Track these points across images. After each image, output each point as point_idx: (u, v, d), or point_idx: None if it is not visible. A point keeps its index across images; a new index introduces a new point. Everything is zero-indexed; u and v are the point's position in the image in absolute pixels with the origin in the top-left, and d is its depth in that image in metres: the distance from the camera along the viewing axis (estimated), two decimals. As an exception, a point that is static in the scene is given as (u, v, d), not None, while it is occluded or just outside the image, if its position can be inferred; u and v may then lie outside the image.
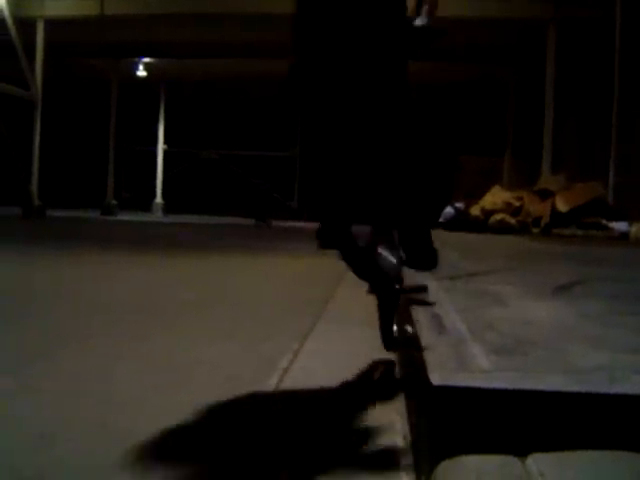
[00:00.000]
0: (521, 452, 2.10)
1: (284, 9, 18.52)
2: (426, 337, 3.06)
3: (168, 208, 37.00)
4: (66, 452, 2.70)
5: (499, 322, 3.61)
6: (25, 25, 24.31)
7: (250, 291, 8.19)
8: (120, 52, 30.04)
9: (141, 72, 32.19)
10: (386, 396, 3.57)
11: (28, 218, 24.87)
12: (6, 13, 23.57)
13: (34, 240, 15.73)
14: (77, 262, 10.90)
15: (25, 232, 19.00)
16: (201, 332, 5.39)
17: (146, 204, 37.34)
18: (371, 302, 6.25)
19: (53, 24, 25.11)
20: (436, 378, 2.37)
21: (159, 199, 37.50)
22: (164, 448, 2.84)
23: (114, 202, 32.91)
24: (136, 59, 31.48)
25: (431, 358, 2.63)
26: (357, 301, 7.13)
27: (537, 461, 2.04)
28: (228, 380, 3.93)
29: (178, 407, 3.36)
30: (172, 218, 32.16)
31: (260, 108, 40.24)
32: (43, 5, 24.76)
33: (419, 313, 3.73)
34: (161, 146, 37.83)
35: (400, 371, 3.90)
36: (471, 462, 2.12)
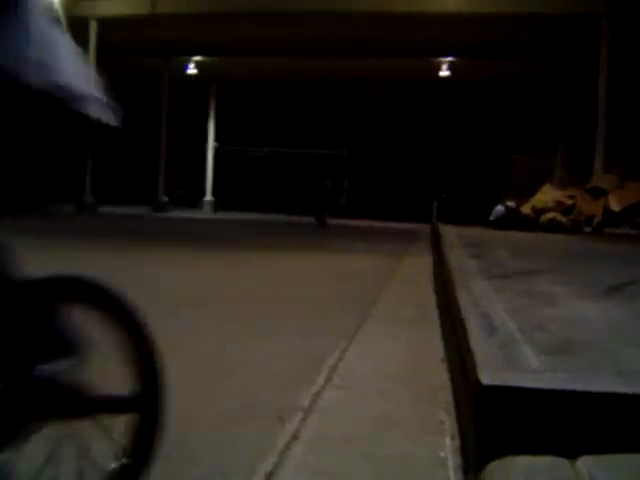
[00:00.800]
0: (571, 454, 2.09)
1: (333, 7, 18.65)
2: (476, 336, 3.05)
3: (218, 205, 37.19)
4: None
5: (549, 322, 3.58)
6: (77, 25, 24.55)
7: (299, 289, 8.21)
8: (171, 51, 30.28)
9: (191, 70, 32.41)
10: (434, 395, 3.56)
11: (80, 214, 25.23)
12: (59, 13, 23.90)
13: (88, 235, 15.94)
14: (125, 256, 11.03)
15: (78, 227, 19.24)
16: (249, 329, 5.43)
17: (196, 201, 37.59)
18: (417, 303, 6.24)
19: (105, 23, 25.43)
20: (486, 378, 2.36)
21: (209, 196, 37.72)
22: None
23: (165, 199, 33.17)
24: (187, 57, 31.70)
25: (481, 358, 2.62)
26: (404, 301, 7.14)
27: (587, 463, 2.03)
28: (276, 376, 3.96)
29: (222, 399, 3.40)
30: (222, 215, 32.32)
31: (309, 106, 40.30)
32: (95, 5, 25.08)
33: (469, 313, 3.71)
34: (211, 144, 38.05)
35: (451, 370, 3.88)
36: (520, 463, 2.11)
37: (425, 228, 23.16)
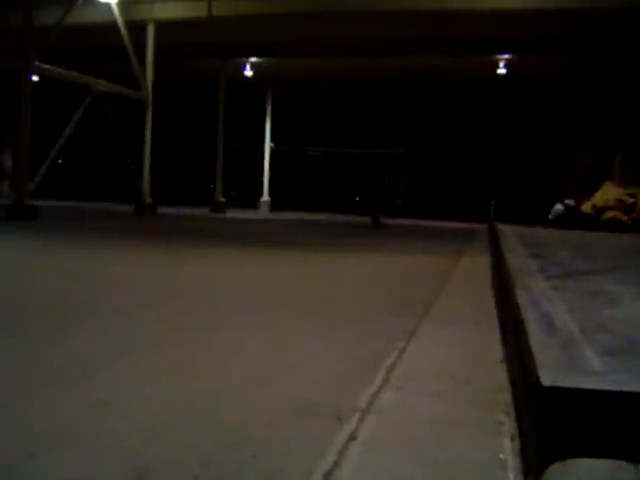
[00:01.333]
0: (634, 458, 2.05)
1: (391, 6, 18.61)
2: (537, 337, 3.01)
3: (275, 205, 37.40)
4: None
5: (612, 322, 3.52)
6: (136, 28, 24.95)
7: (356, 290, 8.21)
8: (227, 52, 30.51)
9: (248, 72, 32.62)
10: (493, 396, 3.53)
11: (140, 214, 25.55)
12: (117, 16, 24.26)
13: (150, 235, 16.13)
14: (178, 258, 11.15)
15: (138, 227, 19.49)
16: (308, 329, 5.44)
17: (254, 201, 37.84)
18: (475, 303, 6.19)
19: (162, 26, 25.71)
20: (547, 379, 2.33)
21: (266, 197, 37.93)
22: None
23: (222, 200, 33.42)
24: (243, 59, 31.91)
25: (542, 358, 2.58)
26: (461, 302, 7.09)
27: (652, 467, 1.99)
28: (333, 377, 3.96)
29: (280, 400, 3.42)
30: (279, 215, 32.48)
31: (366, 106, 40.29)
32: (153, 8, 25.37)
33: (528, 312, 3.67)
34: (268, 144, 38.26)
35: (510, 371, 3.84)
36: (582, 466, 2.08)
37: (483, 227, 22.98)
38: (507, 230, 15.53)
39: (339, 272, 10.17)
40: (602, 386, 2.28)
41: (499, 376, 3.92)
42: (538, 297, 4.32)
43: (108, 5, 23.77)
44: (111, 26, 24.36)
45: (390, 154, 41.21)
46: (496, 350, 4.57)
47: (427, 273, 10.06)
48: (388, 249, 15.00)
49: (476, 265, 11.00)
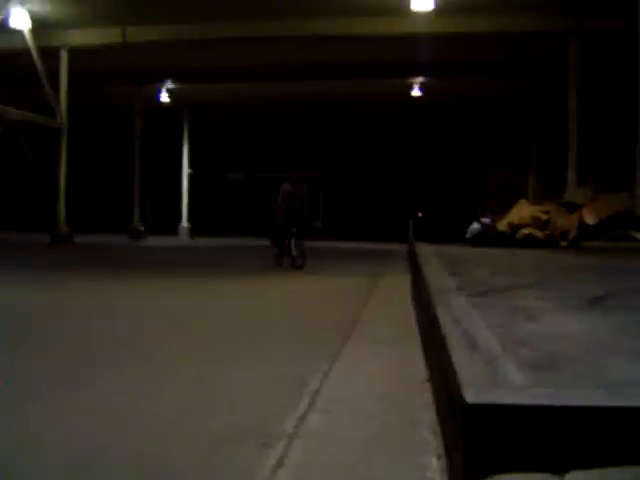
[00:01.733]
0: (560, 470, 2.07)
1: (304, 31, 18.67)
2: (459, 354, 3.03)
3: (194, 231, 37.15)
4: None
5: (532, 337, 3.57)
6: (49, 54, 24.57)
7: (279, 312, 8.18)
8: (143, 78, 30.29)
9: (164, 97, 32.42)
10: (420, 415, 3.54)
11: (56, 244, 25.06)
12: (30, 43, 23.85)
13: (66, 266, 15.81)
14: (98, 288, 10.96)
15: (54, 258, 19.11)
16: (229, 355, 5.39)
17: (173, 228, 37.51)
18: (397, 323, 6.22)
19: (77, 52, 25.37)
20: (470, 396, 2.33)
21: (185, 222, 37.66)
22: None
23: (141, 227, 33.05)
24: (158, 85, 31.70)
25: (464, 375, 2.60)
26: (383, 322, 7.12)
27: (576, 479, 2.01)
28: (257, 404, 3.92)
29: (204, 428, 3.37)
30: (198, 241, 32.25)
31: (283, 130, 40.43)
32: (66, 34, 25.02)
33: (450, 330, 3.69)
34: (186, 170, 38.03)
35: (434, 389, 3.86)
36: (509, 481, 2.09)
37: (402, 248, 23.21)
38: (426, 249, 15.72)
39: (262, 295, 10.13)
40: (525, 401, 2.30)
41: (424, 395, 3.94)
42: (458, 314, 4.36)
43: (21, 32, 23.34)
44: (24, 53, 23.92)
45: (308, 178, 41.35)
46: (420, 368, 4.59)
47: (349, 293, 10.10)
48: (309, 272, 14.99)
49: (397, 284, 11.08)
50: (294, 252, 15.33)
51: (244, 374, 4.71)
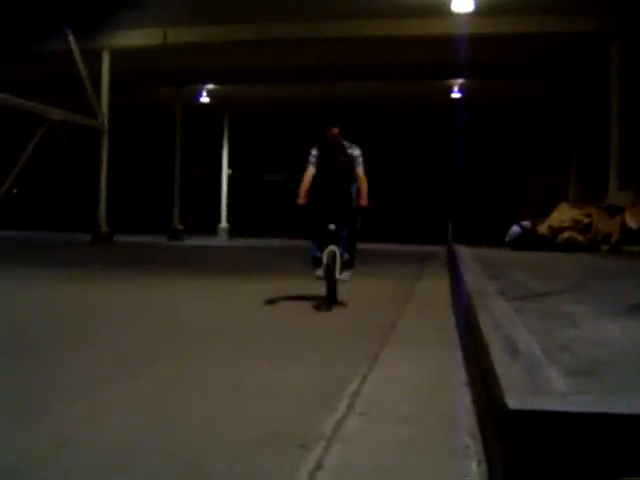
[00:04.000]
0: (604, 478, 2.05)
1: (344, 32, 18.69)
2: (500, 359, 3.01)
3: (233, 232, 37.29)
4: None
5: (574, 343, 3.53)
6: (91, 55, 24.82)
7: (316, 315, 8.17)
8: (183, 79, 30.50)
9: (204, 98, 32.60)
10: (459, 420, 3.52)
11: (96, 243, 25.32)
12: (73, 45, 24.12)
13: (105, 264, 15.95)
14: (140, 286, 11.04)
15: (93, 257, 19.30)
16: (269, 356, 5.39)
17: (212, 228, 37.68)
18: (436, 326, 6.20)
19: (118, 54, 25.61)
20: (512, 402, 2.32)
21: (224, 223, 37.81)
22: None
23: (180, 227, 33.26)
24: (199, 86, 31.90)
25: (506, 381, 2.58)
26: (423, 324, 7.09)
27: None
28: (297, 406, 3.92)
29: (243, 429, 3.37)
30: (237, 242, 32.38)
31: (322, 131, 40.41)
32: (108, 36, 25.27)
33: (491, 334, 3.67)
34: (225, 171, 38.16)
35: (474, 394, 3.84)
36: (551, 488, 2.07)
37: (441, 250, 23.11)
38: (465, 252, 15.65)
39: (299, 297, 10.12)
40: (568, 408, 2.28)
41: (464, 399, 3.92)
42: (499, 319, 4.33)
43: (64, 34, 23.62)
44: (67, 54, 24.21)
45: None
46: (460, 373, 4.57)
47: (388, 296, 10.08)
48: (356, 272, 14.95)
49: (436, 287, 11.04)
50: (336, 271, 8.92)
51: (282, 375, 4.71)
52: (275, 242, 32.28)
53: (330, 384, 4.36)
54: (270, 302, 8.84)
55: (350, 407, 3.74)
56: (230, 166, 38.62)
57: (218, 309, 8.53)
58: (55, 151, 26.71)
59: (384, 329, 6.49)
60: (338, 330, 6.88)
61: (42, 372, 4.64)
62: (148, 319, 7.37)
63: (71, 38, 24.06)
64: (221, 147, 37.85)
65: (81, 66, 24.82)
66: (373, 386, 4.25)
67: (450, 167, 38.56)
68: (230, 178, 38.81)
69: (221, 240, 35.17)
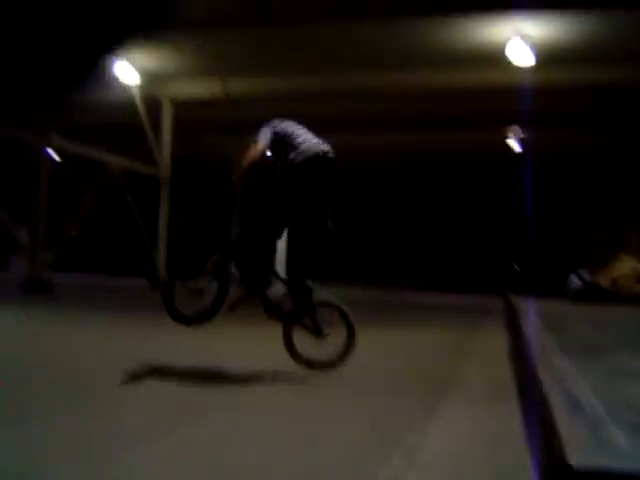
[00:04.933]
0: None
1: (406, 83, 18.63)
2: (562, 415, 2.94)
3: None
4: None
5: (636, 400, 3.45)
6: (153, 105, 25.25)
7: (371, 365, 8.11)
8: (244, 129, 30.86)
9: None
10: (517, 478, 3.44)
11: (155, 289, 25.55)
12: (135, 95, 24.60)
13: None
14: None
15: (154, 301, 19.42)
16: (324, 405, 5.35)
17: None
18: (494, 379, 6.09)
19: (179, 104, 26.02)
20: (575, 459, 2.26)
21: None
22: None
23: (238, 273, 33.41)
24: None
25: (568, 438, 2.52)
26: (480, 377, 6.99)
27: None
28: (350, 459, 3.87)
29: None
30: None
31: (380, 181, 40.61)
32: (169, 86, 25.72)
33: (552, 390, 3.60)
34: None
35: (537, 453, 3.76)
36: None
37: (497, 300, 22.84)
38: (524, 304, 15.44)
39: (360, 344, 10.06)
40: (630, 466, 2.22)
41: (521, 456, 3.84)
42: (560, 374, 4.25)
43: (126, 84, 24.18)
44: (129, 104, 24.75)
45: (403, 228, 41.50)
46: (518, 428, 4.48)
47: (443, 348, 9.96)
48: (401, 322, 14.87)
49: (493, 339, 10.89)
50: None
51: (336, 425, 4.66)
52: (335, 289, 32.19)
53: (388, 435, 4.30)
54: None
55: (406, 460, 3.69)
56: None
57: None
58: (116, 197, 27.15)
59: (440, 381, 6.42)
60: (395, 380, 6.80)
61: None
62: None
63: (133, 87, 24.60)
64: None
65: (143, 115, 25.31)
66: (430, 439, 4.19)
67: (508, 217, 38.32)
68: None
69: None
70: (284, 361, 6.60)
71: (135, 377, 6.26)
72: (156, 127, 26.08)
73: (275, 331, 6.69)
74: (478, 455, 3.85)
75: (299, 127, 7.25)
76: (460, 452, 3.92)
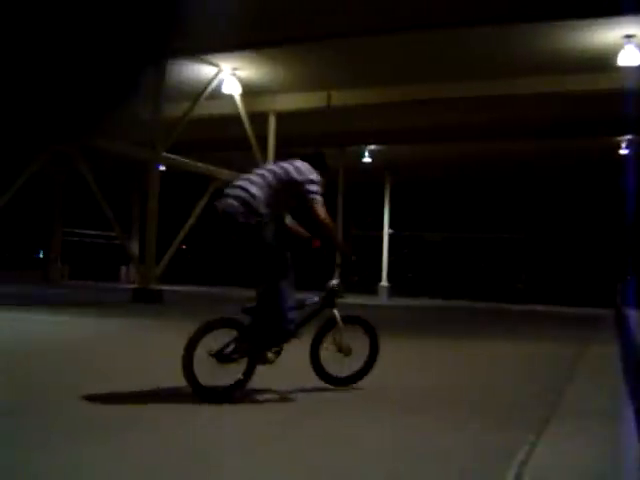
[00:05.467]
0: None
1: (500, 90, 18.39)
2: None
3: (394, 291, 37.20)
4: None
5: None
6: (257, 118, 25.62)
7: (480, 377, 8.00)
8: (345, 141, 31.01)
9: (367, 159, 33.04)
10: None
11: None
12: (240, 108, 25.03)
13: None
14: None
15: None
16: (430, 419, 5.30)
17: (372, 287, 37.69)
18: (607, 394, 5.89)
19: (282, 116, 26.34)
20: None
21: (384, 282, 37.79)
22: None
23: (341, 285, 33.40)
24: (362, 147, 32.37)
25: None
26: (593, 391, 6.80)
27: None
28: (461, 472, 3.82)
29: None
30: (398, 301, 32.25)
31: (484, 190, 40.11)
32: (274, 100, 26.07)
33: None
34: (387, 230, 38.25)
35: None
36: None
37: (608, 313, 22.27)
38: (637, 316, 14.98)
39: (462, 359, 9.97)
40: None
41: (636, 475, 3.71)
42: None
43: (232, 97, 24.61)
44: (234, 117, 25.19)
45: (512, 239, 40.91)
46: (632, 445, 4.33)
47: (554, 361, 9.76)
48: (514, 335, 14.69)
49: (605, 353, 10.60)
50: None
51: (444, 438, 4.61)
52: (436, 302, 31.99)
53: (498, 451, 4.23)
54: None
55: (518, 477, 3.62)
56: (391, 225, 38.76)
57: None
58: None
59: (549, 395, 6.29)
60: (505, 394, 6.69)
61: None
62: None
63: (238, 101, 25.02)
64: (382, 206, 38.06)
65: (248, 128, 25.70)
66: (541, 455, 4.09)
67: (619, 226, 37.27)
68: (391, 237, 38.90)
69: (382, 299, 35.18)
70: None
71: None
72: (260, 139, 26.40)
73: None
74: (590, 472, 3.74)
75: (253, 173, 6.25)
76: (574, 468, 3.81)
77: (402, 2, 17.92)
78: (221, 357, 5.65)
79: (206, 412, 5.19)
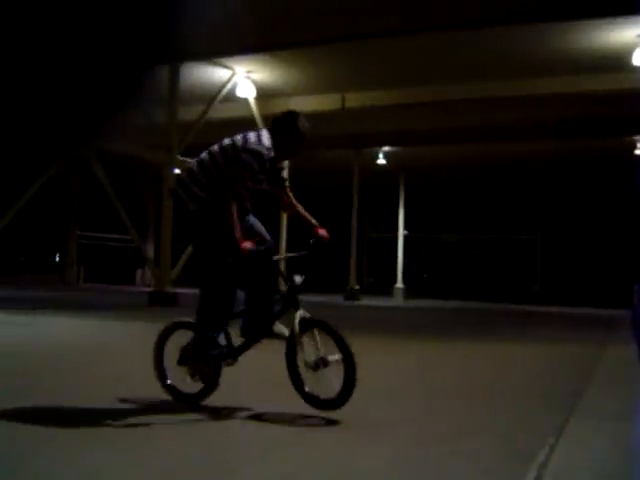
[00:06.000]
0: None
1: (521, 91, 18.36)
2: None
3: (409, 292, 37.13)
4: None
5: None
6: (270, 120, 25.59)
7: (495, 379, 7.98)
8: (361, 142, 31.04)
9: (381, 160, 33.01)
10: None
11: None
12: (255, 111, 25.06)
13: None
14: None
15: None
16: (450, 423, 5.29)
17: (387, 288, 37.68)
18: (625, 396, 5.87)
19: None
20: None
21: (400, 284, 37.73)
22: None
23: (357, 287, 33.44)
24: (376, 148, 32.35)
25: None
26: (610, 394, 6.77)
27: None
28: (482, 474, 3.81)
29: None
30: (414, 303, 32.16)
31: (498, 191, 40.02)
32: (288, 102, 26.05)
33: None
34: (402, 231, 38.20)
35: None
36: None
37: (625, 314, 22.15)
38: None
39: (484, 359, 9.95)
40: None
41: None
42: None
43: (246, 100, 24.65)
44: (248, 120, 25.23)
45: (527, 239, 40.78)
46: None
47: (572, 362, 9.72)
48: (531, 337, 14.65)
49: (622, 354, 10.56)
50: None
51: (465, 441, 4.60)
52: (452, 304, 31.92)
53: (518, 452, 4.22)
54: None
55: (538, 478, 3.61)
56: (406, 227, 38.71)
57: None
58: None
59: (567, 396, 6.26)
60: (523, 396, 6.67)
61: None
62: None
63: (253, 103, 25.06)
64: (397, 208, 38.02)
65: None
66: (561, 458, 4.08)
67: (635, 228, 37.10)
68: (406, 238, 38.86)
69: (397, 301, 35.13)
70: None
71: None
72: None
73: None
74: (607, 474, 3.72)
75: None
76: (594, 471, 3.80)
77: (418, 3, 17.92)
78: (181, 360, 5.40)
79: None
